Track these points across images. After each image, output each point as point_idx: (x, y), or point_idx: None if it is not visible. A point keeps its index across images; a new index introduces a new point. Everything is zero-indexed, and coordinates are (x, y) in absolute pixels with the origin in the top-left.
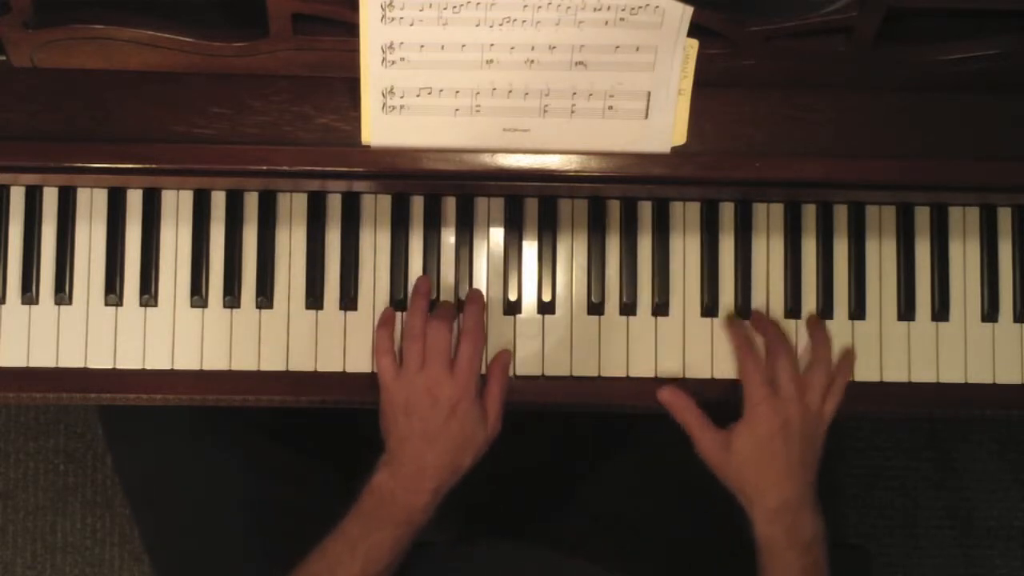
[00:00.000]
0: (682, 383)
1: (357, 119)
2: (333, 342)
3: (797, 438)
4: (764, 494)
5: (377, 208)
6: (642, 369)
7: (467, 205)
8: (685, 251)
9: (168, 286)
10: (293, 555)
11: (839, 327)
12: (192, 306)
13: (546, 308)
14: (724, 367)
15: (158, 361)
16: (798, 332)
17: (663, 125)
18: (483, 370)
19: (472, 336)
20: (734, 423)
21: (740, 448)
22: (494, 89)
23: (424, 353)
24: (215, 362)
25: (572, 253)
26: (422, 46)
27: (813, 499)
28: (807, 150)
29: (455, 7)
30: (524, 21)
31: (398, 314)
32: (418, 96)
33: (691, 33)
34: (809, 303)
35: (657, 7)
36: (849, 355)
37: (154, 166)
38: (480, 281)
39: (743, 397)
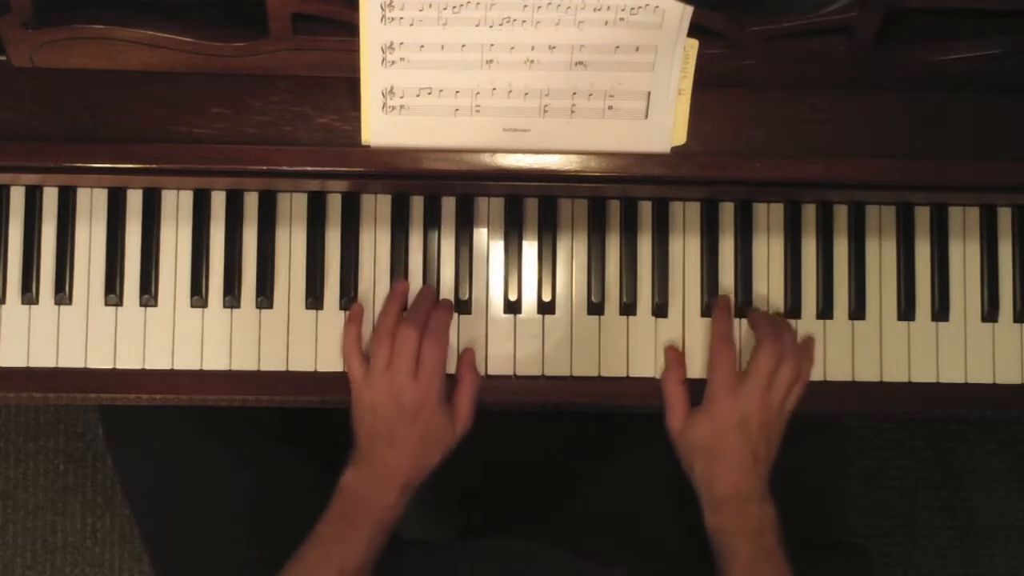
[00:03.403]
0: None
1: (357, 119)
2: (333, 342)
3: (753, 434)
4: (712, 484)
5: (377, 208)
6: (642, 369)
7: (467, 205)
8: (685, 251)
9: (168, 286)
10: (292, 554)
11: (839, 327)
12: (192, 306)
13: (546, 308)
14: None
15: (158, 361)
16: (799, 332)
17: (663, 125)
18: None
19: (434, 338)
20: (696, 407)
21: (695, 435)
22: (494, 89)
23: (391, 355)
24: (215, 362)
25: (572, 253)
26: (422, 46)
27: (763, 491)
28: (807, 150)
29: (455, 7)
30: (524, 21)
31: (369, 308)
32: (418, 96)
33: (691, 33)
34: (809, 303)
35: (657, 7)
36: (810, 344)
37: (154, 166)
38: (480, 281)
39: (707, 382)
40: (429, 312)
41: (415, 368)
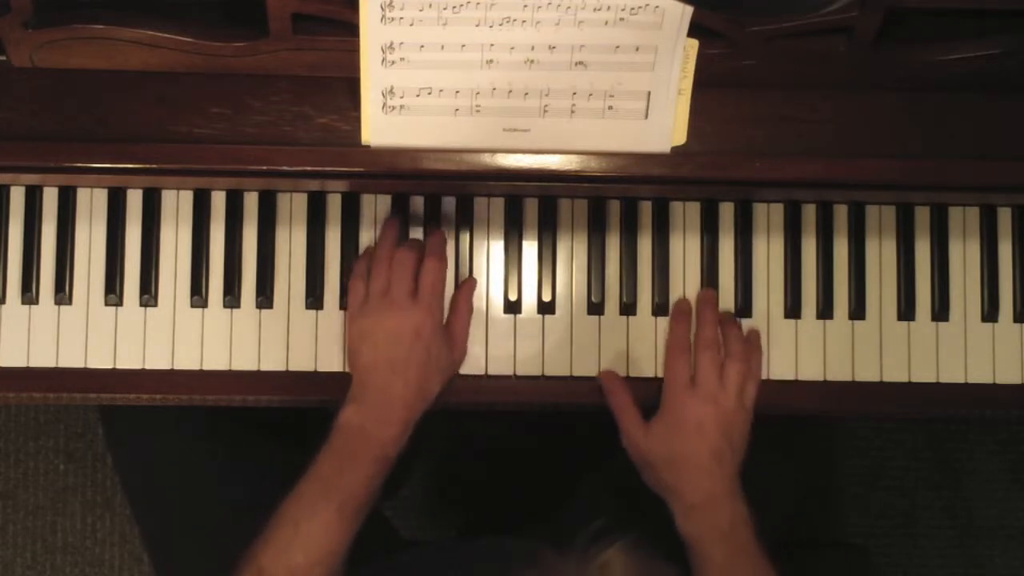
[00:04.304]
0: None
1: (357, 119)
2: (333, 342)
3: (713, 435)
4: (680, 491)
5: (377, 208)
6: (642, 369)
7: (467, 205)
8: (685, 251)
9: (168, 286)
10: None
11: (839, 327)
12: (192, 306)
13: (546, 308)
14: None
15: (158, 361)
16: (798, 332)
17: (663, 125)
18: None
19: (435, 257)
20: (653, 417)
21: (656, 446)
22: (494, 89)
23: (389, 279)
24: (215, 362)
25: (572, 253)
26: (422, 46)
27: (731, 489)
28: (807, 150)
29: (455, 7)
30: (524, 21)
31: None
32: (418, 96)
33: (691, 33)
34: (809, 303)
35: (657, 7)
36: (755, 336)
37: (154, 166)
38: (480, 281)
39: (662, 392)
40: (420, 243)
41: (414, 291)
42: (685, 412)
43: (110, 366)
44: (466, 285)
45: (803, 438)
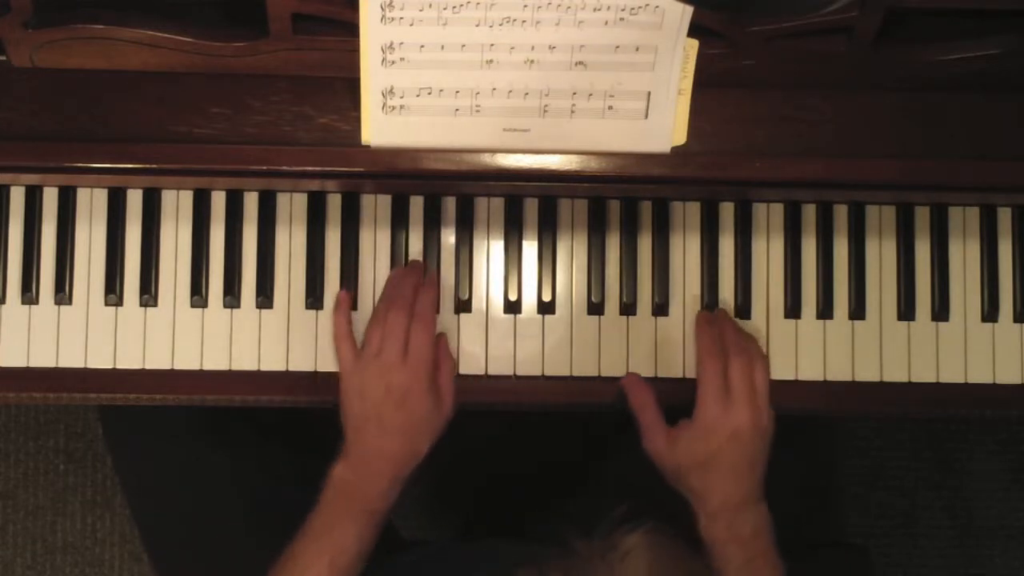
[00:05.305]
0: (682, 383)
1: (357, 119)
2: (333, 342)
3: (747, 444)
4: (707, 497)
5: (377, 208)
6: (642, 369)
7: (467, 205)
8: (685, 251)
9: (168, 286)
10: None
11: (839, 327)
12: (192, 306)
13: (546, 308)
14: None
15: (158, 361)
16: (798, 332)
17: (663, 125)
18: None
19: (422, 321)
20: (683, 421)
21: (686, 452)
22: (494, 89)
23: (382, 340)
24: (215, 362)
25: (572, 253)
26: (422, 46)
27: (757, 495)
28: (807, 150)
29: (455, 7)
30: (524, 21)
31: (368, 307)
32: (418, 96)
33: (691, 33)
34: (809, 303)
35: (657, 7)
36: (757, 339)
37: (154, 166)
38: (480, 281)
39: (696, 398)
40: (417, 293)
41: (404, 352)
42: (722, 420)
43: (110, 366)
44: (441, 341)
45: (803, 438)
